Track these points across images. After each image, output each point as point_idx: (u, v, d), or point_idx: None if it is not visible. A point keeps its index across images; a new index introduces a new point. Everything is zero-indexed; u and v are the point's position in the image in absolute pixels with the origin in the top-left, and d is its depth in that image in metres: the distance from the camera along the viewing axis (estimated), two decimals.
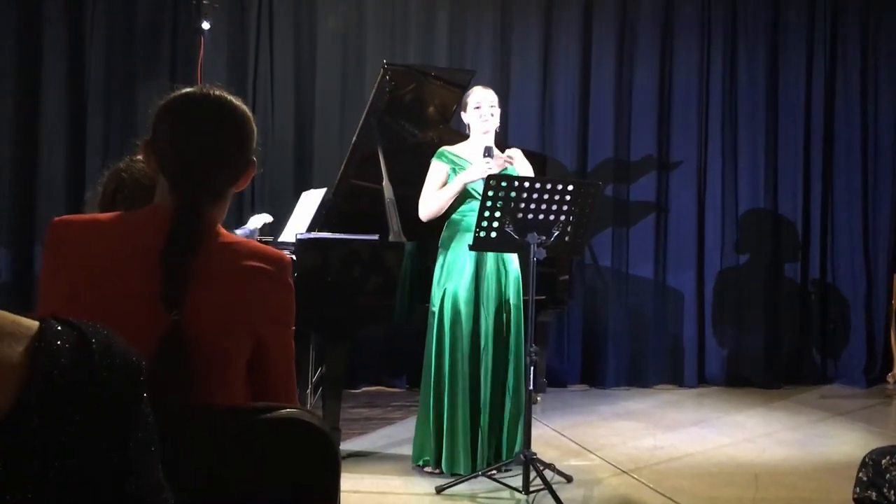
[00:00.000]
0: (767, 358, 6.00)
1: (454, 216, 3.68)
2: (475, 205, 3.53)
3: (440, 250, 3.68)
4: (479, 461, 3.53)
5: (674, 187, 6.01)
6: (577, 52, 5.87)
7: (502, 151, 3.73)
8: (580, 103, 5.87)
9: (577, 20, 5.87)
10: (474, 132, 3.68)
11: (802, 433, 4.55)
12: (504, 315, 3.59)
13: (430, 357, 3.60)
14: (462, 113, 3.75)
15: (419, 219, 3.73)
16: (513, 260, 3.66)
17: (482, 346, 3.55)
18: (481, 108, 3.63)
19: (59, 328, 0.58)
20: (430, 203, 3.64)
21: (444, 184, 3.65)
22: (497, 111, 3.67)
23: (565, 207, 3.23)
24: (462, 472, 3.46)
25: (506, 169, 3.63)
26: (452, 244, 3.63)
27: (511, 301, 3.61)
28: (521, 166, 3.67)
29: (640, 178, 5.96)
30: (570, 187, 3.21)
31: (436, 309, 3.60)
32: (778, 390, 5.77)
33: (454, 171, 3.65)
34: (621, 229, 5.91)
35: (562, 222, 3.25)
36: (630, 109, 5.94)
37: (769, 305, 6.07)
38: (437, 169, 3.68)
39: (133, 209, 1.49)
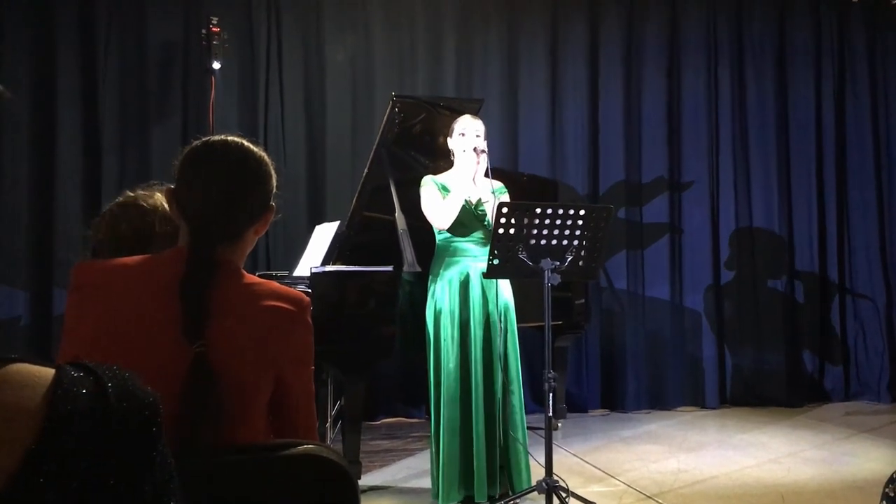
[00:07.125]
0: (789, 376, 5.95)
1: (440, 243, 3.65)
2: (463, 231, 3.56)
3: (430, 277, 3.64)
4: (475, 489, 3.43)
5: (687, 207, 6.00)
6: (585, 76, 5.90)
7: (499, 180, 3.69)
8: (590, 127, 5.89)
9: (583, 45, 5.91)
10: (458, 158, 3.64)
11: (828, 451, 4.49)
12: (492, 342, 3.50)
13: (429, 386, 3.58)
14: (449, 139, 3.72)
15: (432, 248, 3.73)
16: (503, 288, 3.59)
17: (471, 372, 3.47)
18: (466, 136, 3.60)
19: (75, 374, 0.59)
20: (443, 210, 3.55)
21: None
22: (483, 141, 3.60)
23: (578, 232, 3.22)
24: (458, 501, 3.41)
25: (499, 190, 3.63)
26: (440, 270, 3.59)
27: (501, 327, 3.51)
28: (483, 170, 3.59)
29: (652, 200, 5.95)
30: (582, 212, 3.21)
31: (430, 337, 3.57)
32: (801, 408, 5.72)
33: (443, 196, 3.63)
34: (636, 251, 5.90)
35: (575, 247, 3.25)
36: (640, 131, 5.95)
37: (788, 322, 6.03)
38: (429, 188, 3.64)
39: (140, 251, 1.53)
